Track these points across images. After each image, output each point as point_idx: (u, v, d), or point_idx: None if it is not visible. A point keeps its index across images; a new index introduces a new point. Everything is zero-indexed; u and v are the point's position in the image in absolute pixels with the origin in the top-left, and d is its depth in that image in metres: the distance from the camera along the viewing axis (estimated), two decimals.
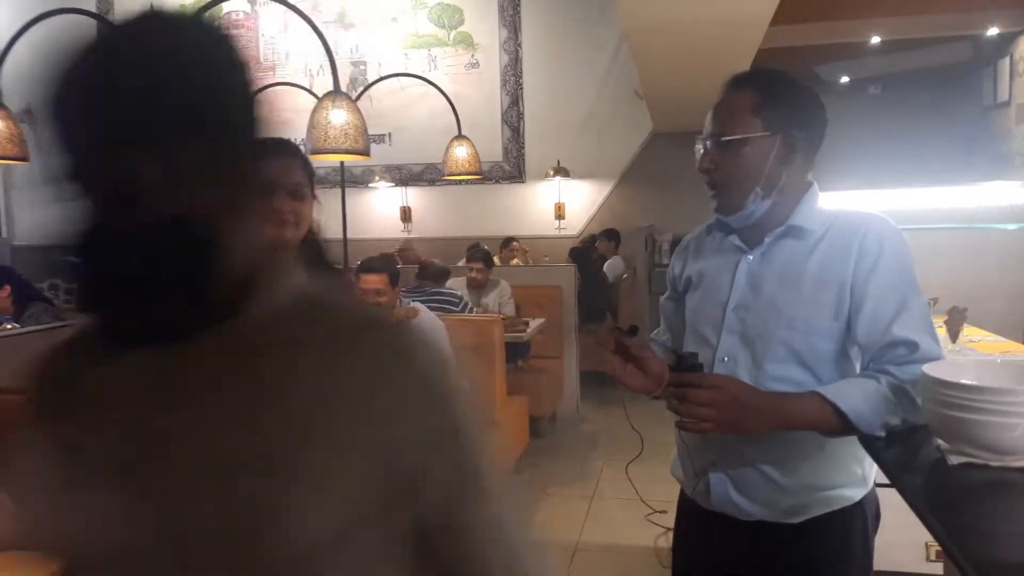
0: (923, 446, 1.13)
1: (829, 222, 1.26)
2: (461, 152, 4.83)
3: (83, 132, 0.56)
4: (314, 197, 1.48)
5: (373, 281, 2.96)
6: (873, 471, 1.33)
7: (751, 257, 1.29)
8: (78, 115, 0.56)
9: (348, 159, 3.20)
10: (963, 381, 1.04)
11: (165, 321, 0.59)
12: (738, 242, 1.31)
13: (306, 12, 3.32)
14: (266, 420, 0.58)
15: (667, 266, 1.53)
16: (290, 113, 7.58)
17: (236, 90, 0.63)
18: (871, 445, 1.17)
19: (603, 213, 7.49)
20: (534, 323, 4.60)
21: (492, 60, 7.55)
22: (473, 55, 7.57)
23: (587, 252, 6.49)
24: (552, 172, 7.28)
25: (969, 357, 2.37)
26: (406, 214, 7.91)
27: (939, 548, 2.12)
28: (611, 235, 6.86)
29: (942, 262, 3.14)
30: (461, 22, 7.58)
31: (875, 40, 6.21)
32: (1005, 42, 6.14)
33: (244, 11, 8.04)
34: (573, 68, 7.34)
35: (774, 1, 3.24)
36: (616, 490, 3.80)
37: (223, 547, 0.57)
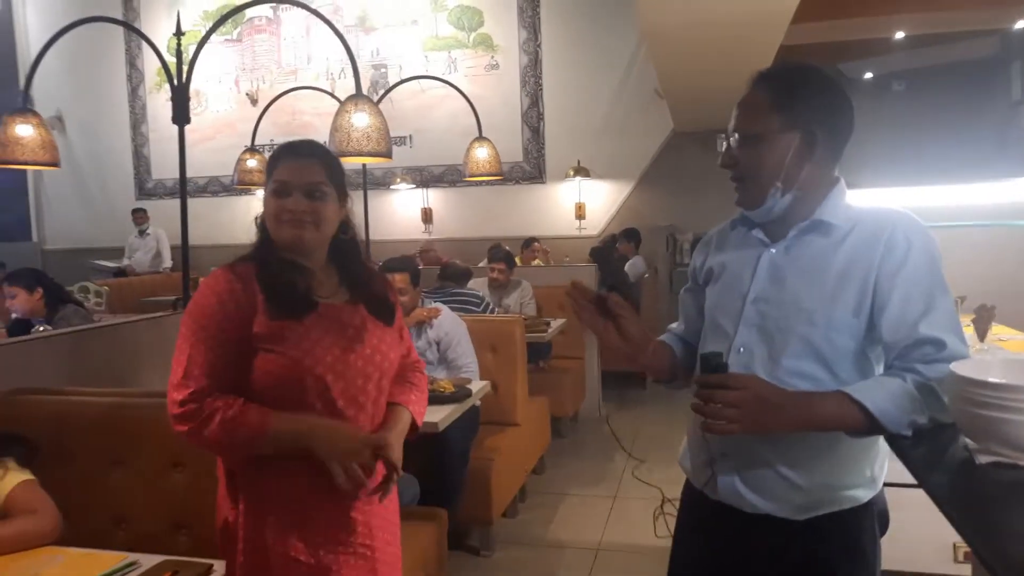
0: (950, 445, 1.12)
1: (856, 218, 1.25)
2: (482, 153, 4.84)
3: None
4: (344, 198, 1.50)
5: (395, 280, 2.99)
6: (883, 473, 1.32)
7: (774, 250, 1.29)
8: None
9: (371, 161, 3.23)
10: (991, 379, 1.03)
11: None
12: (761, 236, 1.31)
13: (328, 16, 3.36)
14: None
15: (688, 265, 1.54)
16: (312, 116, 7.68)
17: None
18: (898, 444, 1.16)
19: (623, 213, 7.48)
20: (555, 323, 4.60)
21: (512, 61, 7.57)
22: (493, 56, 7.59)
23: (608, 252, 6.47)
24: (572, 172, 7.28)
25: (998, 356, 2.33)
26: (427, 215, 7.95)
27: (967, 549, 2.09)
28: (631, 235, 6.83)
29: (970, 260, 3.10)
30: (481, 24, 7.61)
31: (899, 36, 6.14)
32: None
33: (267, 16, 8.13)
34: (592, 68, 7.34)
35: None
36: (638, 490, 3.79)
37: None
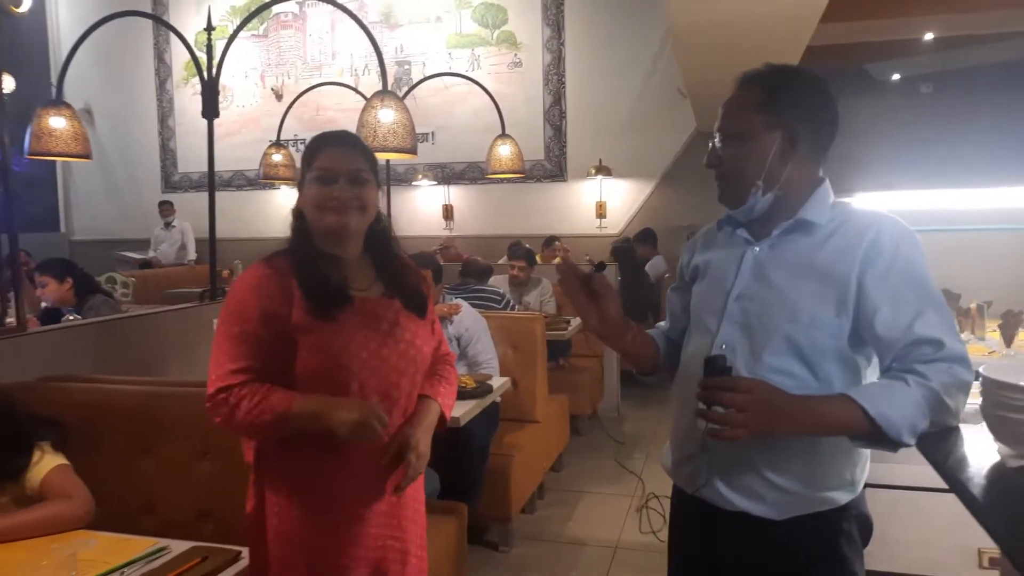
0: (980, 449, 1.11)
1: (840, 218, 1.26)
2: (504, 151, 4.85)
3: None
4: (378, 186, 1.51)
5: None
6: (863, 477, 1.31)
7: (758, 249, 1.30)
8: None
9: (396, 157, 3.25)
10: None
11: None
12: (746, 235, 1.33)
13: (353, 12, 3.38)
14: None
15: None
16: (335, 112, 7.73)
17: None
18: (926, 448, 1.15)
19: (644, 212, 7.45)
20: (575, 321, 4.60)
21: (535, 59, 7.56)
22: (516, 54, 7.60)
23: (629, 250, 6.45)
24: (594, 171, 7.26)
25: None
26: (448, 212, 7.98)
27: (992, 555, 2.07)
28: (646, 237, 6.78)
29: (997, 264, 3.06)
30: (504, 21, 7.61)
31: (928, 37, 6.06)
32: None
33: (293, 12, 8.19)
34: (616, 67, 7.31)
35: None
36: (657, 489, 3.79)
37: None
